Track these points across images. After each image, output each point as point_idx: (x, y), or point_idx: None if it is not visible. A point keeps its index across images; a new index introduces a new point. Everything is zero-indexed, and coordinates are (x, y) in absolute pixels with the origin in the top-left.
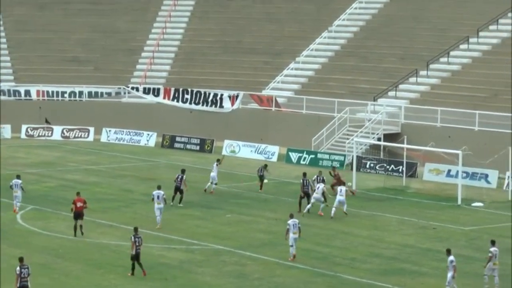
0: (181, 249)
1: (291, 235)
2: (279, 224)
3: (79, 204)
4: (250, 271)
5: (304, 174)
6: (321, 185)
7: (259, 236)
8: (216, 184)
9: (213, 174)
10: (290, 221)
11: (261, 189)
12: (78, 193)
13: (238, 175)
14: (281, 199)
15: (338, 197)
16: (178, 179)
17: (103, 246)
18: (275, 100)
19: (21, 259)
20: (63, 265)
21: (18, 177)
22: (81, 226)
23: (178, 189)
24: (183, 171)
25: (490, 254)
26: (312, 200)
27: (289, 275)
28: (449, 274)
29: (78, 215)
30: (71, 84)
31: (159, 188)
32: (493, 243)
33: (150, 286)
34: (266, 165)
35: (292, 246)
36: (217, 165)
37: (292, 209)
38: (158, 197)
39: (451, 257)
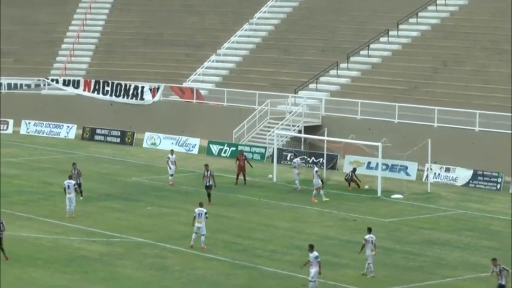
0: (102, 241)
1: (196, 223)
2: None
3: None
4: (171, 264)
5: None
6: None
7: (180, 228)
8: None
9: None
10: (197, 210)
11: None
12: None
13: (159, 168)
14: (202, 191)
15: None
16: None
17: (22, 239)
18: (197, 92)
19: None
20: None
21: (70, 177)
22: None
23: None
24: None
25: (363, 242)
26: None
27: (210, 267)
28: (313, 270)
29: None
30: None
31: (70, 178)
32: (369, 230)
33: (70, 279)
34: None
35: (195, 233)
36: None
37: (214, 201)
38: (68, 186)
39: (315, 253)
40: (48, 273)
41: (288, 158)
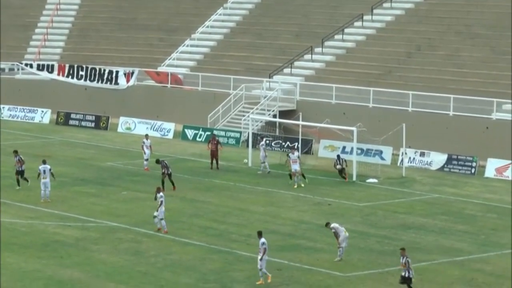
0: (77, 226)
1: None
2: (175, 201)
3: None
4: (146, 248)
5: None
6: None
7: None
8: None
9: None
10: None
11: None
12: None
13: (133, 152)
14: (177, 175)
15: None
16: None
17: None
18: (175, 76)
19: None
20: None
21: (44, 162)
22: None
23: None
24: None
25: (333, 230)
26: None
27: (185, 252)
28: (259, 256)
29: None
30: None
31: (44, 162)
32: (327, 224)
33: (45, 264)
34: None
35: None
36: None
37: (190, 186)
38: (44, 171)
39: (263, 239)
40: (23, 258)
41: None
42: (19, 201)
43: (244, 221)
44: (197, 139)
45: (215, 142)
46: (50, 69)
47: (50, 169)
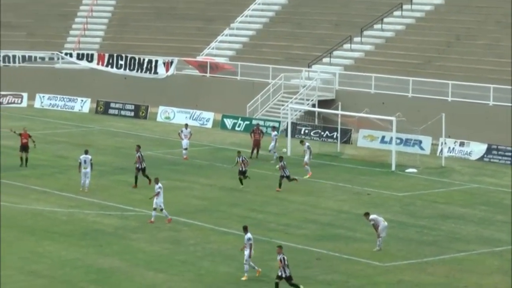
0: (116, 215)
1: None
2: (214, 191)
3: (24, 140)
4: (185, 237)
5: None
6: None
7: (193, 202)
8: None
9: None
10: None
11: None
12: (24, 129)
13: (173, 141)
14: (216, 165)
15: None
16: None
17: (37, 212)
18: (217, 64)
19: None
20: None
21: (86, 152)
22: (26, 159)
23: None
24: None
25: (372, 222)
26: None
27: (224, 241)
28: (246, 252)
29: (23, 148)
30: (3, 49)
31: (86, 152)
32: (367, 214)
33: (85, 253)
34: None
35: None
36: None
37: (228, 175)
38: (85, 161)
39: (248, 235)
40: (63, 246)
41: (302, 132)
42: (59, 190)
43: (282, 211)
44: (236, 128)
45: (259, 131)
46: (90, 58)
47: (91, 160)
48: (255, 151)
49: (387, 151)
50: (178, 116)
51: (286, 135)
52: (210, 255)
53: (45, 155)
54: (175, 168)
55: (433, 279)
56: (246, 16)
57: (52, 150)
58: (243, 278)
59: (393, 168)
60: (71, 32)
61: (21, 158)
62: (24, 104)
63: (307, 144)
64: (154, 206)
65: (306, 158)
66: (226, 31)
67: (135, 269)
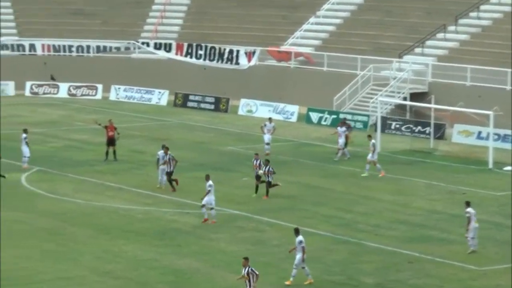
0: (195, 214)
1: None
2: (298, 188)
3: (110, 133)
4: (268, 238)
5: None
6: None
7: (277, 200)
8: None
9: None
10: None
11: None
12: (110, 120)
13: (255, 136)
14: (300, 161)
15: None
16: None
17: (112, 210)
18: (303, 54)
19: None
20: (70, 230)
21: (163, 147)
22: (114, 152)
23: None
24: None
25: (468, 215)
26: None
27: (310, 242)
28: (298, 256)
29: (110, 141)
30: (77, 38)
31: (163, 147)
32: (468, 204)
33: (162, 253)
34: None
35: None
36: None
37: (313, 172)
38: (163, 157)
39: (300, 237)
40: (139, 246)
41: (392, 127)
42: (136, 186)
43: (371, 210)
44: (322, 122)
45: (346, 126)
46: (168, 48)
47: (169, 155)
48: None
49: (484, 148)
50: (261, 109)
51: (376, 130)
52: (294, 256)
53: (120, 150)
54: None
55: None
56: (333, 3)
57: (128, 145)
58: (287, 283)
59: (490, 165)
60: (148, 20)
61: (107, 152)
62: (99, 96)
63: (373, 141)
64: (203, 203)
65: (370, 156)
66: (312, 19)
67: (215, 270)
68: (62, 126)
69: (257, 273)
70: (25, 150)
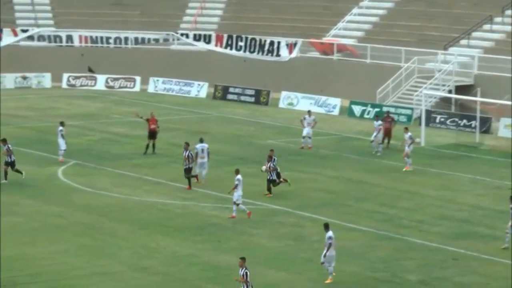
0: (238, 210)
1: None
2: (340, 183)
3: (152, 126)
4: (309, 233)
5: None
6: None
7: (318, 195)
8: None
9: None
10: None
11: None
12: (152, 113)
13: (296, 129)
14: (343, 155)
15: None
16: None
17: (150, 204)
18: (345, 46)
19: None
20: (107, 225)
21: (201, 140)
22: (153, 145)
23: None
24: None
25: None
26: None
27: (352, 238)
28: (324, 252)
29: (152, 134)
30: (114, 29)
31: (201, 141)
32: None
33: (201, 249)
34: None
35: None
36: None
37: (356, 167)
38: (202, 150)
39: (329, 233)
40: (177, 241)
41: (437, 120)
42: (174, 181)
43: (415, 206)
44: (365, 115)
45: (390, 120)
46: (207, 39)
47: (208, 148)
48: (385, 141)
49: None
50: (302, 102)
51: (420, 124)
52: (336, 253)
53: (159, 143)
54: (298, 158)
55: None
56: None
57: (166, 138)
58: (327, 281)
59: None
60: (187, 11)
61: (147, 146)
62: (137, 88)
63: (409, 133)
64: (234, 200)
65: (407, 148)
66: (355, 10)
67: (255, 267)
68: (100, 118)
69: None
70: (61, 143)
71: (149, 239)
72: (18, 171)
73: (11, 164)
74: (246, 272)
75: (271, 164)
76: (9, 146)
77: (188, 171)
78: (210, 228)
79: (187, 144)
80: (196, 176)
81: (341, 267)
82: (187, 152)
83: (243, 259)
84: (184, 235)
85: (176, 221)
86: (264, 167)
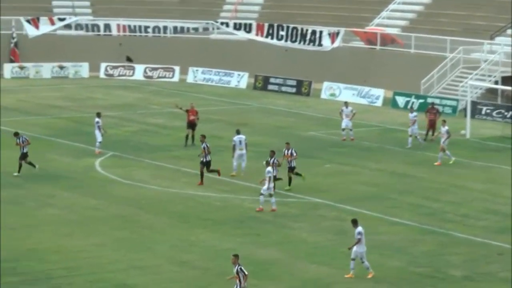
0: (275, 202)
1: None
2: (383, 176)
3: (191, 117)
4: (351, 227)
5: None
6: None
7: (361, 188)
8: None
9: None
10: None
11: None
12: (191, 104)
13: (338, 121)
14: (386, 147)
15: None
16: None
17: (189, 197)
18: (390, 36)
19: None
20: (145, 218)
21: (238, 132)
22: (192, 136)
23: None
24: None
25: None
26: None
27: (394, 232)
28: (354, 248)
29: (191, 125)
30: (153, 18)
31: (238, 132)
32: None
33: (240, 242)
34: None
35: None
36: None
37: (400, 159)
38: (240, 142)
39: (359, 229)
40: (217, 235)
41: (483, 112)
42: (214, 173)
43: (460, 199)
44: (409, 107)
45: (434, 111)
46: (248, 28)
47: (245, 140)
48: (430, 132)
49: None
50: (345, 93)
51: (465, 116)
52: (378, 247)
53: (197, 134)
54: (340, 150)
55: None
56: None
57: (205, 129)
58: (347, 276)
59: None
60: None
61: (187, 137)
62: (176, 78)
63: (447, 127)
64: (262, 191)
65: (443, 142)
66: None
67: (296, 261)
68: (138, 109)
69: (246, 273)
70: (98, 135)
71: (188, 233)
72: (31, 163)
73: (23, 156)
74: (241, 268)
75: (274, 161)
76: (24, 137)
77: (205, 165)
78: (250, 222)
79: (203, 136)
80: (218, 171)
81: (383, 261)
82: (203, 144)
83: (236, 256)
84: (223, 228)
85: (215, 214)
86: (266, 162)
